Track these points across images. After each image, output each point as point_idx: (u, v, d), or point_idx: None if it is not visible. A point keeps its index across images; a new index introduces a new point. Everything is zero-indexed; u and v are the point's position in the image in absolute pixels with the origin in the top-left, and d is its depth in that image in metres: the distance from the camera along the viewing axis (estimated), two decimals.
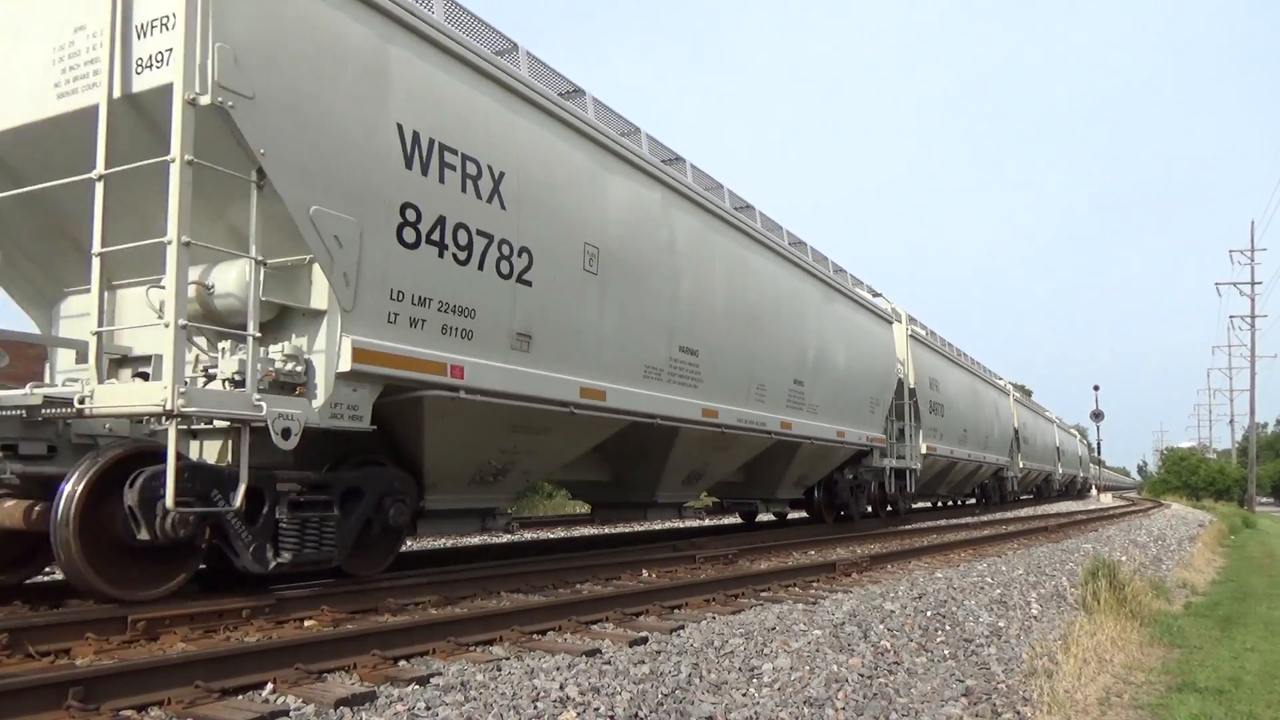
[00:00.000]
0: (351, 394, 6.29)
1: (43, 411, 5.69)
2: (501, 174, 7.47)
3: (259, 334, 5.68)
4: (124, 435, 6.16)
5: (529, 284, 7.78)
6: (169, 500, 5.19)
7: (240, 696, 4.32)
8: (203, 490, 5.52)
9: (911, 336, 20.04)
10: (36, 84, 6.01)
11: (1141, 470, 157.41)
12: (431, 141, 6.82)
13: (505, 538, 13.71)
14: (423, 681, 4.57)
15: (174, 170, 5.21)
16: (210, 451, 6.40)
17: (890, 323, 18.47)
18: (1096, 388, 44.63)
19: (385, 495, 6.89)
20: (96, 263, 5.61)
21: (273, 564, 5.99)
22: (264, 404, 5.59)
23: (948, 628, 6.81)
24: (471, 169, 7.20)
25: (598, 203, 8.84)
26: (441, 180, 6.91)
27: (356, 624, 6.10)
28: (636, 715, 4.24)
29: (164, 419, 5.21)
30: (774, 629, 6.17)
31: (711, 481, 12.99)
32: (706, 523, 17.94)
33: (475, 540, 13.57)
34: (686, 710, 4.39)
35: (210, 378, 5.87)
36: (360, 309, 6.24)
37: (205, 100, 5.32)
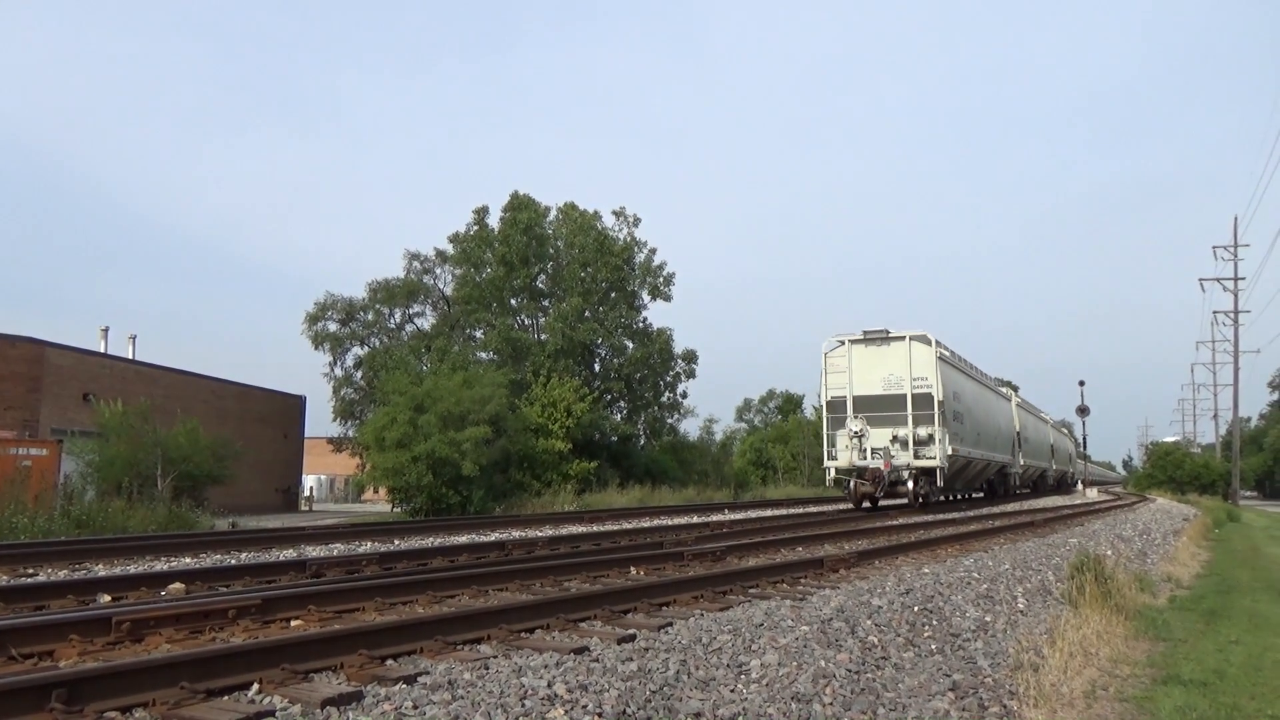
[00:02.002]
0: (947, 459, 24.60)
1: (900, 467, 24.63)
2: (959, 394, 26.61)
3: (935, 443, 24.35)
4: (903, 468, 24.60)
5: (962, 422, 26.73)
6: (920, 483, 24.52)
7: (226, 697, 4.32)
8: (931, 482, 24.49)
9: (1018, 405, 38.34)
10: (873, 383, 24.79)
11: (1127, 465, 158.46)
12: (953, 391, 25.85)
13: (494, 536, 13.87)
14: (410, 680, 4.57)
15: (936, 415, 24.15)
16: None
17: (1009, 400, 37.56)
18: (1082, 383, 45.07)
19: (937, 485, 25.58)
20: (909, 433, 24.47)
21: (936, 499, 25.75)
22: (944, 463, 24.33)
23: (935, 623, 6.82)
24: (956, 395, 26.25)
25: (963, 392, 27.69)
26: (953, 399, 25.80)
27: (343, 623, 6.09)
28: (624, 712, 4.24)
29: (937, 470, 24.20)
30: (762, 625, 6.18)
31: (966, 481, 30.15)
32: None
33: (463, 539, 13.52)
34: (674, 707, 4.38)
35: (919, 456, 24.29)
36: (950, 437, 24.82)
37: (941, 399, 24.21)
